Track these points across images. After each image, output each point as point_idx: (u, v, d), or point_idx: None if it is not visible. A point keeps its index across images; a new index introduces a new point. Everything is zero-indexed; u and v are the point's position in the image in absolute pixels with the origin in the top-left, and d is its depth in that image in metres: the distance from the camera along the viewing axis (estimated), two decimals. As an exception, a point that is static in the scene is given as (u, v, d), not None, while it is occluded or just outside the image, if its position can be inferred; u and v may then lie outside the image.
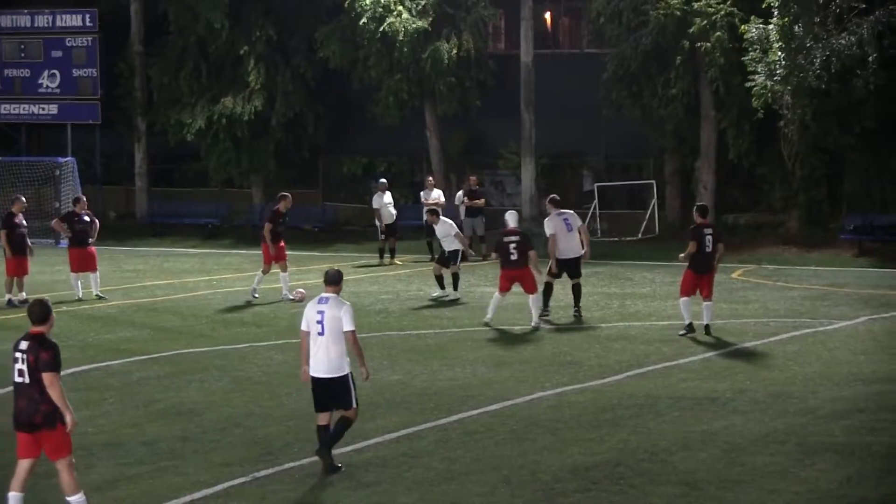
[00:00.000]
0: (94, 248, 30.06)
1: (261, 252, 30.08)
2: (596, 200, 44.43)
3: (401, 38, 44.09)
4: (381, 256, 37.64)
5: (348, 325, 14.83)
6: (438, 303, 28.82)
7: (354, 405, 15.06)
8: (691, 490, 13.91)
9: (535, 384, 19.52)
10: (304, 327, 15.09)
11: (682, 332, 23.77)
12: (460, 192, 39.81)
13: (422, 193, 39.03)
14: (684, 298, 23.98)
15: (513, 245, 24.95)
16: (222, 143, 47.19)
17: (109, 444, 16.22)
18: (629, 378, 20.10)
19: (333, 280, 15.20)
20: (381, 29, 44.15)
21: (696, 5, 41.04)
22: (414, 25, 44.20)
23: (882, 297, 29.43)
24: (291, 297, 28.89)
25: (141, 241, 44.70)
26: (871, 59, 37.44)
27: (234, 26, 46.72)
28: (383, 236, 37.75)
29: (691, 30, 40.85)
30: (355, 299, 29.31)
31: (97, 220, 30.77)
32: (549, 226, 26.44)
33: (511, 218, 25.73)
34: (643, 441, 15.94)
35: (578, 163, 47.53)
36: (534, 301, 25.16)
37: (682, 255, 24.04)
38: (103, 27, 49.41)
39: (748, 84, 39.01)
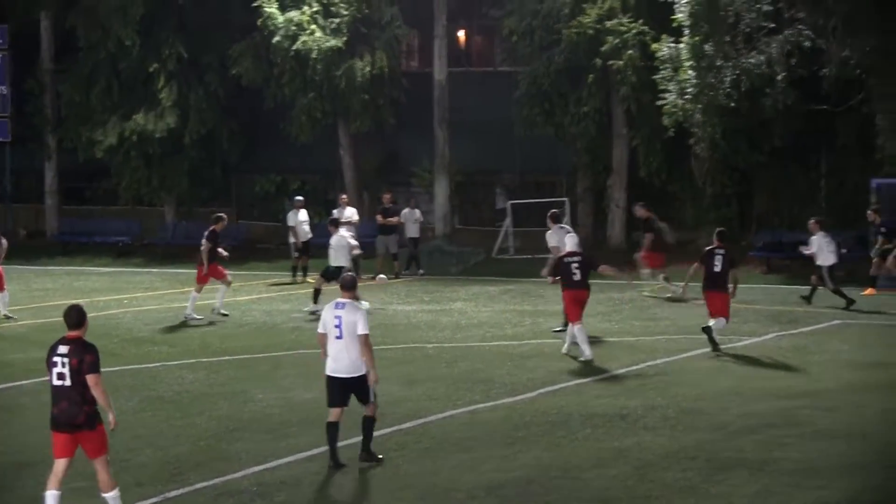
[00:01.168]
0: (1, 268, 29.65)
1: (195, 272, 29.89)
2: (509, 218, 44.55)
3: (314, 57, 44.00)
4: (294, 274, 37.52)
5: (362, 329, 15.72)
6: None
7: (373, 399, 16.02)
8: (603, 507, 13.98)
9: (447, 402, 19.52)
10: (321, 330, 16.02)
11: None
12: (406, 210, 40.09)
13: (335, 211, 38.95)
14: (714, 321, 24.43)
15: (575, 265, 23.69)
16: (134, 160, 46.78)
17: (22, 464, 16.01)
18: (542, 395, 20.15)
19: (349, 286, 16.11)
20: (294, 47, 44.04)
21: (608, 24, 41.31)
22: (328, 44, 44.13)
23: (790, 313, 29.75)
24: (224, 313, 28.82)
25: (51, 259, 44.22)
26: (779, 78, 37.84)
27: (145, 43, 46.34)
28: (297, 254, 37.64)
29: (603, 48, 41.11)
30: (267, 318, 29.23)
31: (4, 239, 30.37)
32: (553, 238, 27.01)
33: (570, 241, 24.39)
34: (556, 458, 15.99)
35: (492, 180, 47.65)
36: (579, 331, 23.43)
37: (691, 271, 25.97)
38: (13, 44, 48.87)
39: (659, 102, 39.31)
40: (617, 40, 40.97)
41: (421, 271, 39.42)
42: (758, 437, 16.93)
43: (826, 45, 37.69)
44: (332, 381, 15.96)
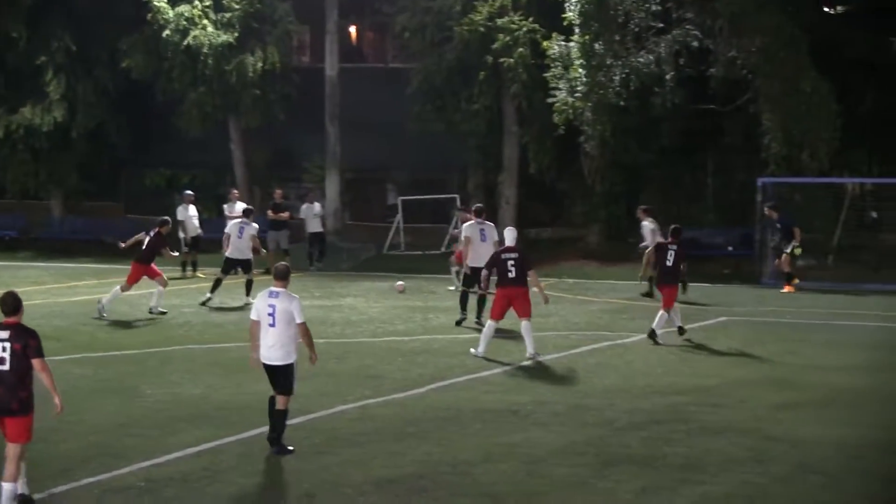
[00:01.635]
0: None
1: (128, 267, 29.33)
2: (400, 214, 44.59)
3: (205, 52, 43.69)
4: (184, 269, 37.21)
5: (299, 318, 16.14)
6: (243, 317, 28.57)
7: (293, 392, 16.32)
8: (493, 502, 14.01)
9: (337, 397, 19.45)
10: (254, 317, 16.33)
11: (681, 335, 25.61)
12: (305, 205, 39.84)
13: (225, 206, 38.74)
14: (662, 312, 25.51)
15: (511, 262, 23.51)
16: (20, 154, 46.14)
17: None
18: (432, 391, 20.16)
19: (283, 275, 16.41)
20: (185, 42, 43.70)
21: (499, 22, 41.51)
22: (219, 39, 43.84)
23: (679, 310, 30.02)
24: (161, 311, 28.60)
25: (-65, 253, 43.48)
26: (668, 77, 38.23)
27: (32, 35, 45.70)
28: (187, 248, 37.35)
29: (495, 45, 41.30)
30: (157, 313, 28.94)
31: None
32: (466, 230, 27.28)
33: (509, 235, 24.16)
34: (446, 454, 16.00)
35: (383, 177, 47.66)
36: (527, 328, 23.37)
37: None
38: None
39: (550, 100, 39.54)
40: (508, 38, 41.18)
41: (312, 267, 39.27)
42: (645, 434, 17.08)
43: (713, 45, 38.15)
44: (264, 368, 16.41)
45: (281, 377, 16.23)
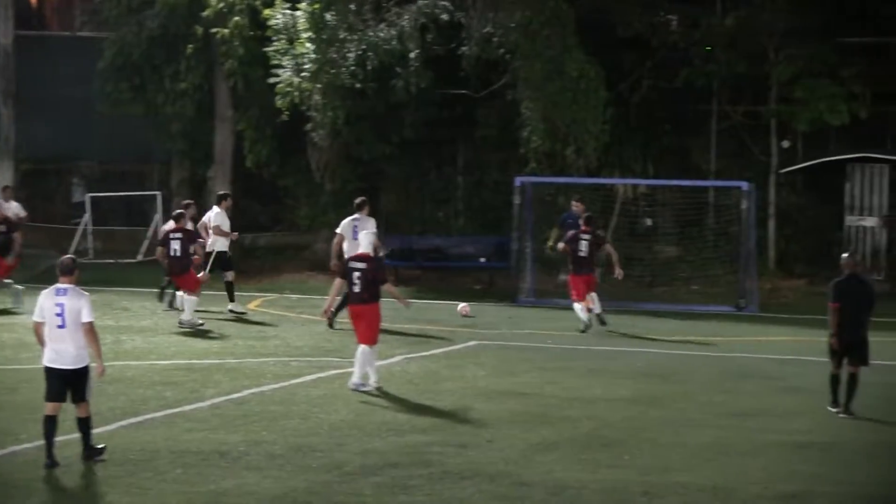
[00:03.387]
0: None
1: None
2: (88, 214, 44.02)
3: None
4: None
5: (87, 317, 17.15)
6: None
7: (88, 398, 17.54)
8: (195, 563, 13.98)
9: (8, 436, 19.10)
10: (37, 318, 17.37)
11: (582, 329, 30.64)
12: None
13: None
14: (578, 304, 30.85)
15: (357, 274, 23.03)
16: None
17: None
18: (124, 428, 19.96)
19: (69, 269, 17.42)
20: None
21: (211, -16, 41.33)
22: None
23: (420, 332, 30.38)
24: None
25: None
26: (412, 56, 38.49)
27: None
28: None
29: (205, 13, 41.10)
30: None
31: None
32: (342, 226, 29.13)
33: (364, 240, 23.71)
34: (142, 502, 15.90)
35: (68, 168, 46.98)
36: (365, 355, 23.18)
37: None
38: None
39: (272, 80, 39.50)
40: (222, 4, 41.03)
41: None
42: (378, 479, 17.20)
43: (465, 19, 38.59)
44: (51, 372, 17.40)
45: (79, 383, 17.36)
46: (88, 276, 38.85)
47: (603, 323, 31.20)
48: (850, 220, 41.32)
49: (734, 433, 20.35)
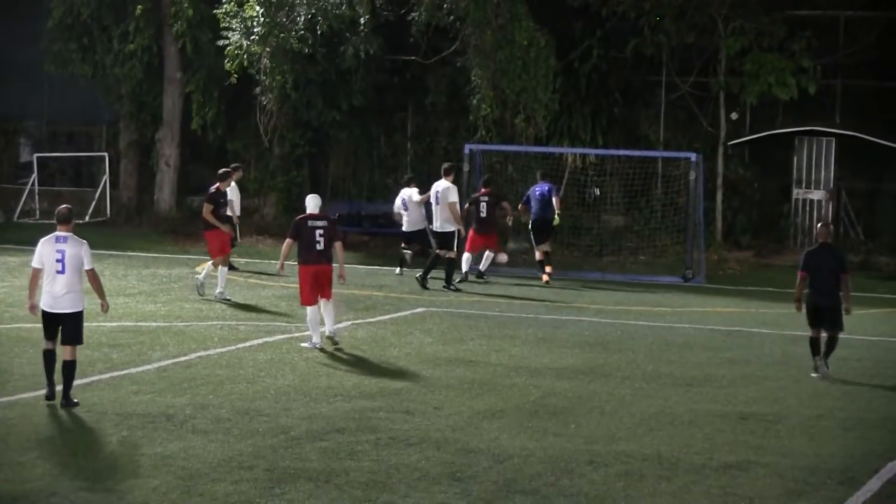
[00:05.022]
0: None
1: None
2: (35, 174, 43.83)
3: None
4: None
5: (88, 264, 18.59)
6: None
7: (82, 341, 19.11)
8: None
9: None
10: (36, 265, 18.70)
11: (459, 281, 32.90)
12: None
13: None
14: (466, 255, 33.52)
15: (319, 231, 23.81)
16: None
17: None
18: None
19: (66, 218, 18.67)
20: None
21: (161, -58, 41.15)
22: None
23: (368, 298, 30.44)
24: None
25: None
26: (362, 21, 38.44)
27: None
28: None
29: (156, -27, 40.93)
30: None
31: None
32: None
33: (312, 202, 24.33)
34: (84, 466, 15.86)
35: (14, 128, 46.71)
36: (328, 309, 24.29)
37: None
38: None
39: (221, 42, 39.40)
40: (171, -37, 40.86)
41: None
42: (324, 444, 17.25)
43: (417, -16, 38.56)
44: (48, 316, 18.81)
45: (72, 326, 18.70)
46: (35, 236, 38.81)
47: (481, 276, 34.04)
48: (797, 192, 41.54)
49: (679, 403, 20.49)
